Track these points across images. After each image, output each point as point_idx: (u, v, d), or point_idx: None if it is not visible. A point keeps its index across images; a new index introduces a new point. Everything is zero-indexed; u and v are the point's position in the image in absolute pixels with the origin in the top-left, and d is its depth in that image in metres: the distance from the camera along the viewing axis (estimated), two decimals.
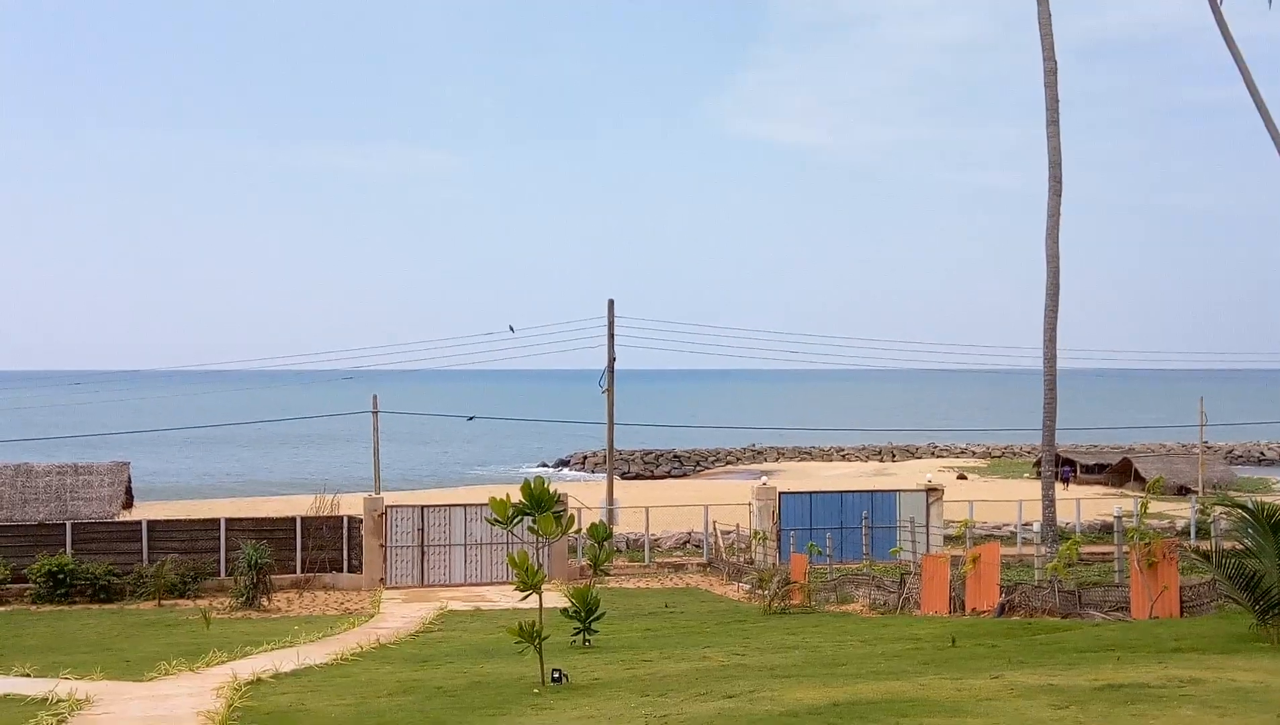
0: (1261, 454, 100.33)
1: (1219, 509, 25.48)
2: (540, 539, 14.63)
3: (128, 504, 47.87)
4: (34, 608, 31.56)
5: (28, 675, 17.91)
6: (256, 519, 36.88)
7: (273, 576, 32.96)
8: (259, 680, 16.48)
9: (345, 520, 36.19)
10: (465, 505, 36.36)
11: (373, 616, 28.51)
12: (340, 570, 35.63)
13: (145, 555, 34.08)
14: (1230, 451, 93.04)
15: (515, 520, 14.24)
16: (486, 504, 15.40)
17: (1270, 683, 10.87)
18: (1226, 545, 21.41)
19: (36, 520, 37.82)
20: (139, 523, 35.70)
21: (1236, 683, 10.93)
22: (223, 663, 18.57)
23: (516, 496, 14.74)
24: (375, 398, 44.82)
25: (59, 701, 14.66)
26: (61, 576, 32.42)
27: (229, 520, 35.90)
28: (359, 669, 18.20)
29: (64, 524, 35.12)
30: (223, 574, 33.71)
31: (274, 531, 35.23)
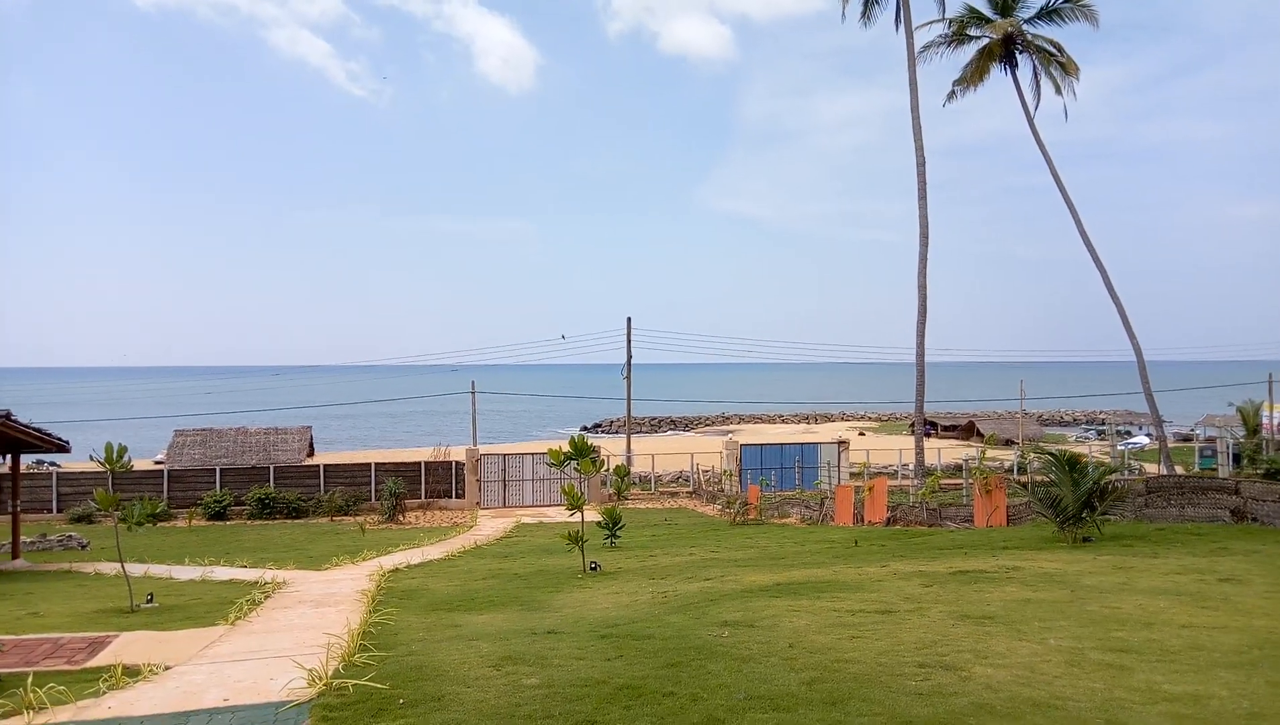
0: (1062, 418, 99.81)
1: (1033, 454, 25.38)
2: (581, 475, 14.67)
3: (310, 453, 47.79)
4: (249, 522, 31.63)
5: (245, 566, 18.00)
6: (395, 463, 36.77)
7: (406, 501, 33.04)
8: (397, 569, 16.54)
9: (454, 464, 36.21)
10: (533, 454, 36.28)
11: (471, 528, 28.47)
12: (450, 497, 35.67)
13: (322, 487, 34.05)
14: (1040, 417, 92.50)
15: (565, 463, 14.27)
16: (546, 453, 15.43)
17: (1067, 569, 10.84)
18: (1038, 478, 21.35)
19: (250, 464, 37.82)
20: (318, 466, 35.64)
21: (1044, 569, 10.90)
22: (373, 558, 18.63)
23: (565, 448, 14.79)
24: (473, 382, 44.88)
25: (266, 583, 14.76)
26: (267, 501, 32.47)
27: (377, 464, 35.87)
28: (463, 562, 18.26)
29: (268, 467, 35.15)
30: (373, 500, 33.73)
31: (406, 471, 35.22)
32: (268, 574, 16.12)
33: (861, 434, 79.98)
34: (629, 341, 42.71)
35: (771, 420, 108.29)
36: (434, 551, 20.33)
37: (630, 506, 34.13)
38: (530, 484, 35.82)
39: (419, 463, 36.26)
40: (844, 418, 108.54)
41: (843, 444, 40.31)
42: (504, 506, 35.20)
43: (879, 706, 5.62)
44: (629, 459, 41.39)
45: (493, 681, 6.82)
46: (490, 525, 28.76)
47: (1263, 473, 30.75)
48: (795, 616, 8.50)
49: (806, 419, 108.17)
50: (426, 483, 35.45)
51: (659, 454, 46.32)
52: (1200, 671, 6.22)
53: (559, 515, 29.78)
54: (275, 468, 35.03)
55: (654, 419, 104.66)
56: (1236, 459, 38.68)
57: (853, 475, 36.70)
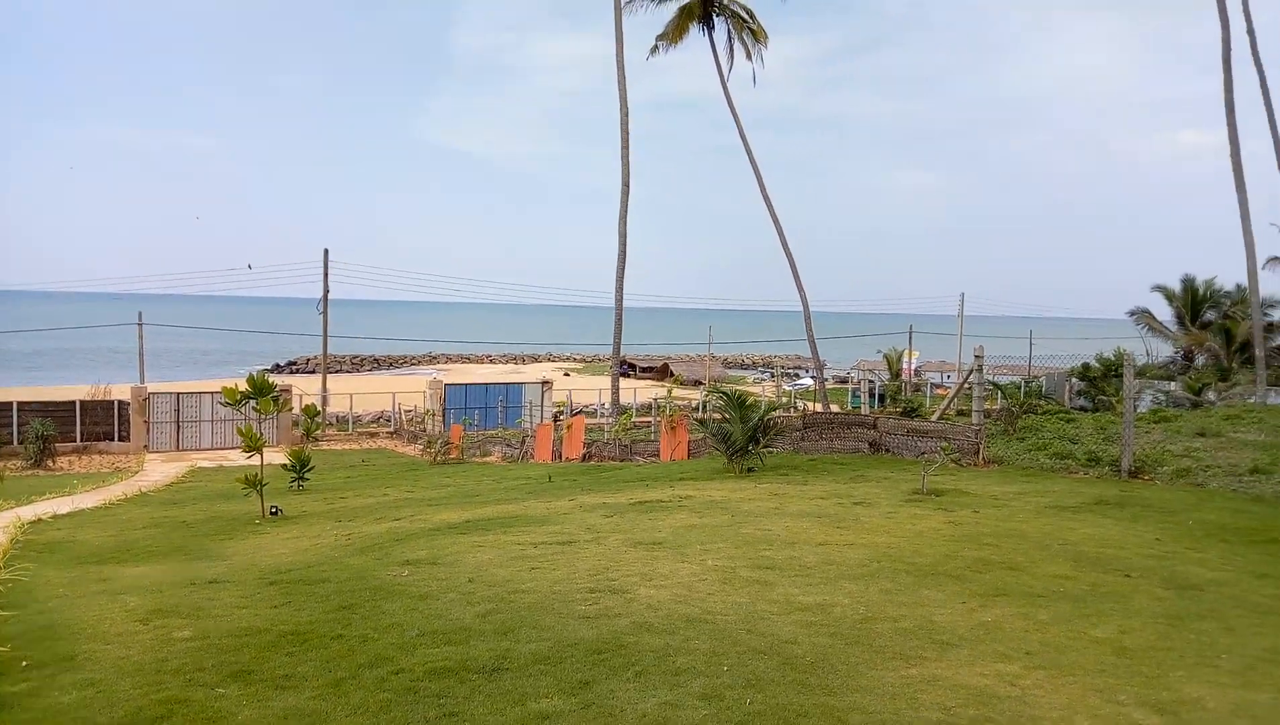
0: (743, 362, 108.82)
1: (712, 394, 27.39)
2: (262, 415, 13.70)
3: None
4: None
5: None
6: (43, 402, 32.19)
7: (57, 444, 29.16)
8: (40, 520, 14.54)
9: (116, 403, 32.43)
10: (212, 393, 33.33)
11: (137, 473, 25.77)
12: (113, 440, 31.98)
13: None
14: (726, 360, 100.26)
15: (242, 402, 13.24)
16: (220, 391, 14.24)
17: (731, 496, 11.83)
18: (715, 417, 23.07)
19: None
20: None
21: (712, 497, 11.83)
22: (10, 508, 16.25)
23: (243, 386, 13.71)
24: (140, 313, 40.20)
25: None
26: None
27: (20, 403, 31.21)
28: (122, 510, 16.45)
29: None
30: (15, 443, 29.40)
31: (57, 411, 30.94)
32: None
33: (567, 375, 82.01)
34: (326, 274, 40.34)
35: (480, 360, 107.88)
36: (88, 500, 18.13)
37: (325, 448, 32.59)
38: (209, 426, 33.03)
39: (73, 402, 32.08)
40: (551, 359, 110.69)
41: (547, 384, 41.11)
42: (178, 450, 32.19)
43: (548, 632, 5.82)
44: (324, 398, 39.39)
45: (138, 637, 6.22)
46: (160, 470, 26.20)
47: (901, 411, 35.49)
48: (479, 552, 8.57)
49: (515, 359, 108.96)
50: (83, 424, 31.50)
51: (359, 393, 44.51)
52: (829, 583, 7.06)
53: (243, 459, 27.77)
54: None
55: (356, 358, 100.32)
56: (881, 399, 44.44)
57: (555, 415, 37.61)
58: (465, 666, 5.26)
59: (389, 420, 40.72)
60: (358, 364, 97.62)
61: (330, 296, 40.73)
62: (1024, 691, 4.83)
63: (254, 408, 13.36)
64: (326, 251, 40.67)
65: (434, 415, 36.43)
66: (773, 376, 69.64)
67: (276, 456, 22.80)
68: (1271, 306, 41.90)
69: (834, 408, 33.38)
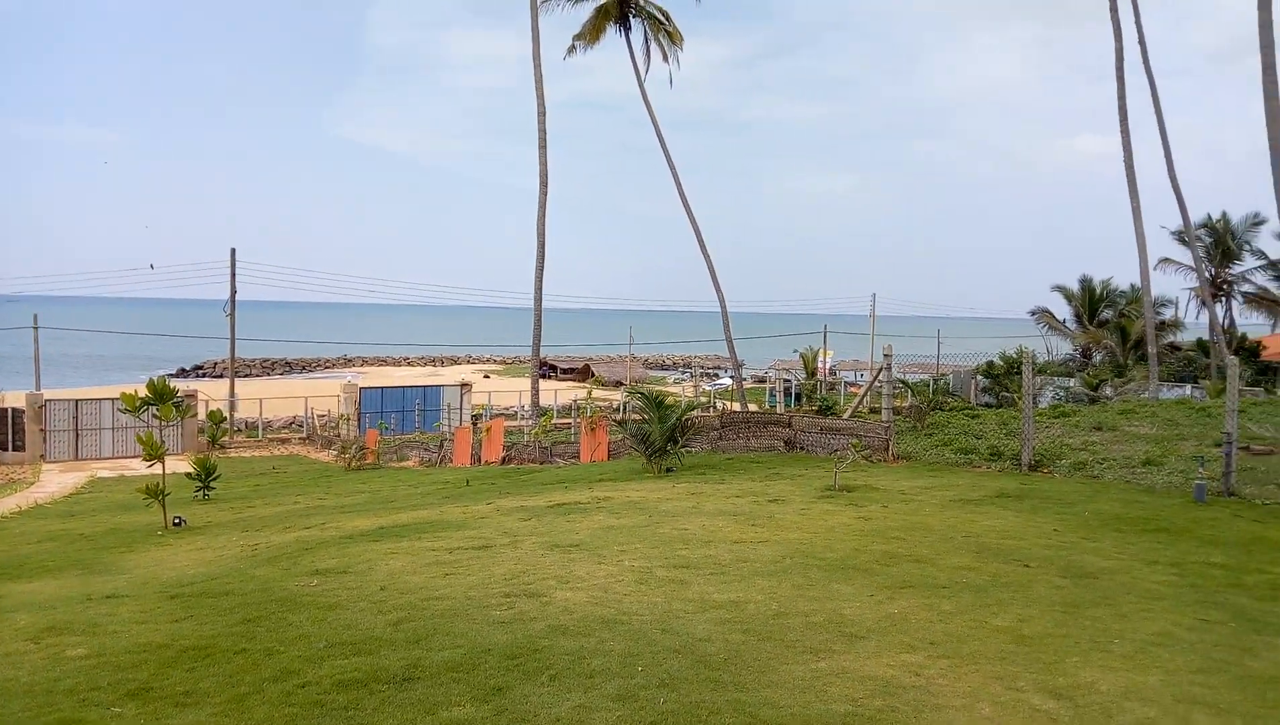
0: (664, 363, 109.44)
1: (632, 396, 27.49)
2: (163, 422, 13.19)
3: None
4: None
5: None
6: None
7: None
8: None
9: (9, 412, 30.81)
10: (113, 399, 31.97)
11: (32, 484, 24.57)
12: (6, 450, 30.37)
13: None
14: (647, 360, 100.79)
15: (142, 409, 12.72)
16: (119, 398, 13.65)
17: (649, 497, 11.88)
18: (634, 417, 23.15)
19: None
20: None
21: (630, 498, 11.85)
22: None
23: (143, 392, 13.16)
24: (36, 316, 38.26)
25: None
26: None
27: None
28: (15, 524, 15.65)
29: None
30: None
31: None
32: None
33: (487, 376, 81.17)
34: (233, 274, 39.09)
35: (398, 363, 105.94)
36: None
37: (234, 455, 31.61)
38: (110, 434, 31.66)
39: None
40: (471, 361, 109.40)
41: (466, 386, 40.64)
42: (76, 459, 30.78)
43: (462, 639, 5.74)
44: (232, 404, 38.14)
45: (28, 657, 5.91)
46: (58, 481, 25.03)
47: (817, 409, 36.16)
48: (393, 559, 8.41)
49: (434, 362, 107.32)
50: None
51: (270, 398, 43.32)
52: (743, 580, 7.15)
53: (145, 468, 26.72)
54: None
55: (267, 361, 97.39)
56: (798, 397, 45.24)
57: (474, 417, 37.17)
58: (375, 677, 5.15)
59: (301, 425, 39.72)
60: (269, 368, 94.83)
61: (239, 298, 39.49)
62: (928, 681, 4.97)
63: (155, 414, 12.85)
64: (234, 251, 39.45)
65: (349, 420, 35.63)
66: (692, 377, 70.22)
67: (181, 465, 22.01)
68: (1163, 305, 44.03)
69: (752, 407, 33.82)
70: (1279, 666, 5.26)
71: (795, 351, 54.33)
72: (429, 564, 8.08)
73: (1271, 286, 43.13)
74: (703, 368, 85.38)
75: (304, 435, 37.67)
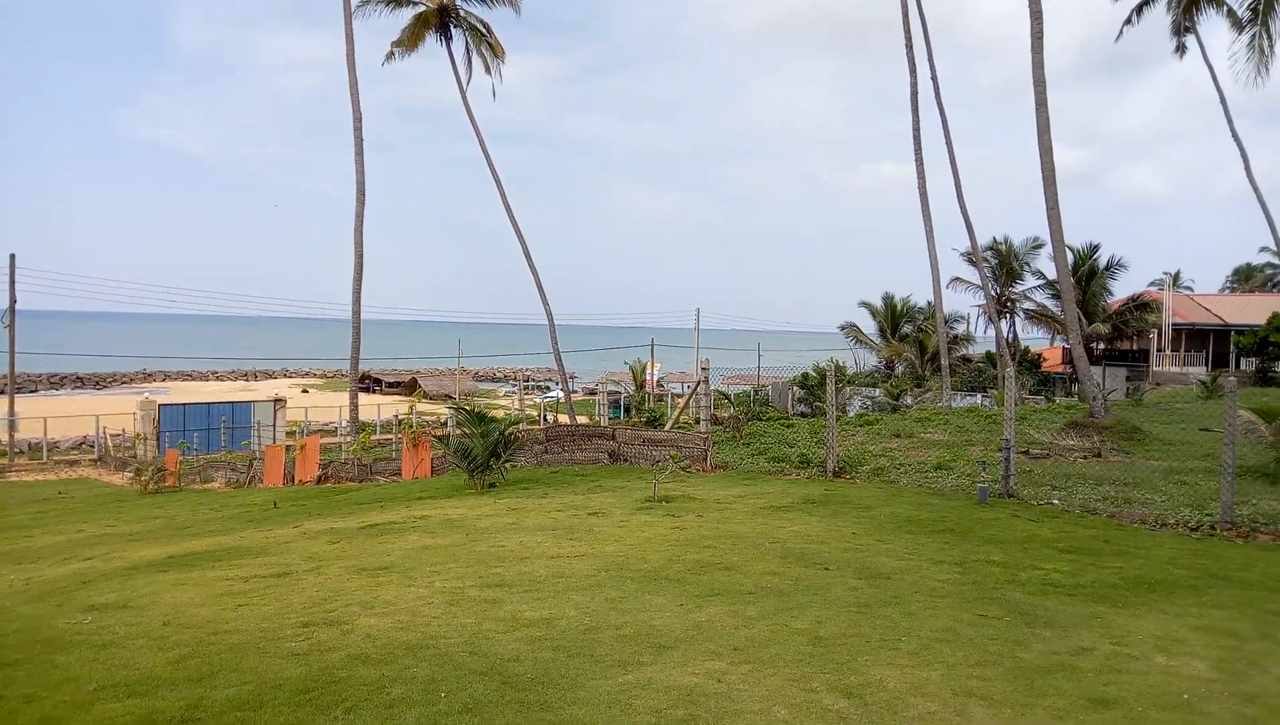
0: (495, 375, 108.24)
1: (457, 411, 26.90)
2: None
3: None
4: None
5: None
6: None
7: None
8: None
9: None
10: None
11: None
12: None
13: None
14: (477, 373, 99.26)
15: None
16: None
17: (468, 514, 11.61)
18: (458, 433, 22.66)
19: None
20: None
21: (449, 516, 11.55)
22: None
23: None
24: None
25: None
26: None
27: None
28: None
29: None
30: None
31: None
32: None
33: (305, 391, 77.42)
34: (12, 282, 35.47)
35: (205, 377, 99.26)
36: None
37: (14, 479, 28.66)
38: None
39: None
40: (287, 375, 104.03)
41: (279, 402, 38.61)
42: None
43: (250, 675, 5.35)
44: (13, 423, 34.55)
45: None
46: None
47: (645, 420, 36.67)
48: (180, 590, 7.78)
49: (246, 376, 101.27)
50: None
51: (58, 417, 39.54)
52: (557, 596, 7.07)
53: None
54: None
55: (55, 376, 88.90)
56: (627, 409, 45.76)
57: (289, 434, 35.32)
58: (150, 720, 4.72)
59: (93, 446, 36.47)
60: (57, 383, 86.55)
61: (20, 307, 35.84)
62: (729, 687, 5.06)
63: None
64: (13, 256, 35.83)
65: (146, 439, 33.00)
66: (518, 390, 69.70)
67: None
68: (956, 321, 47.69)
69: (583, 419, 33.89)
70: (1046, 657, 5.70)
71: (625, 364, 55.02)
72: (220, 595, 7.53)
73: (1050, 304, 47.62)
74: (534, 381, 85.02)
75: (96, 457, 34.62)
